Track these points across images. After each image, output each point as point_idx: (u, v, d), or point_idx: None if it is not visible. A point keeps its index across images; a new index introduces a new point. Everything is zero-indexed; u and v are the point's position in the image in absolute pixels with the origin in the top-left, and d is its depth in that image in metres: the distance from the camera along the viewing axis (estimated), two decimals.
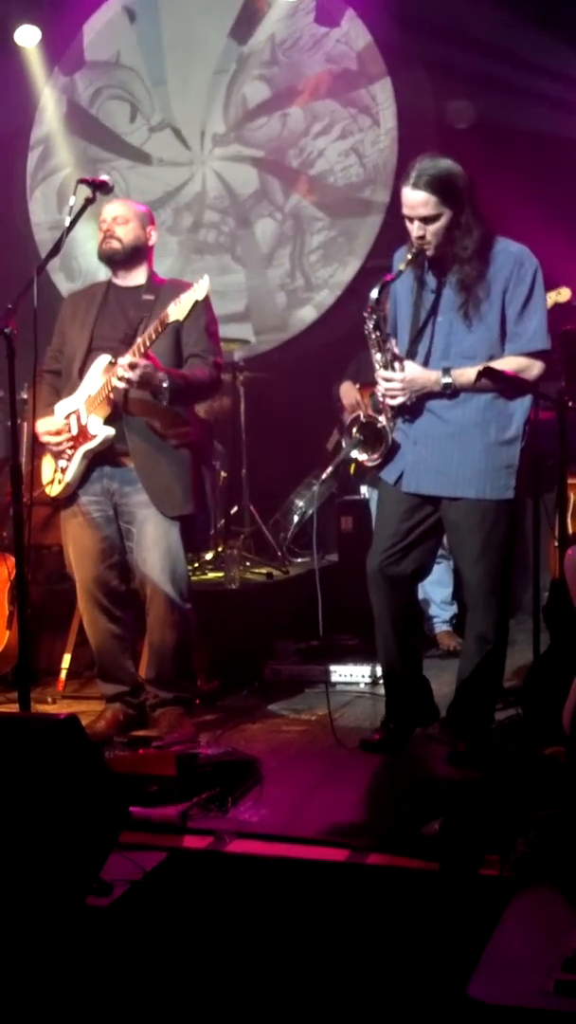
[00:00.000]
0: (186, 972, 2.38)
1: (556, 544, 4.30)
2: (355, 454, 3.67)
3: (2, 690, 4.53)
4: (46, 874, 2.49)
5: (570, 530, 4.17)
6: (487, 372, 3.40)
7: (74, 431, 3.88)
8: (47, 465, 4.01)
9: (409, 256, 3.45)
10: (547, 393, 3.80)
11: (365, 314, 3.53)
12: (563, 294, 4.49)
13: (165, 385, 3.68)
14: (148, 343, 3.65)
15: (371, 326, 3.53)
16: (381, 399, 3.60)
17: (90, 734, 3.10)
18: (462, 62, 5.84)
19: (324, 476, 3.73)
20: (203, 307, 3.80)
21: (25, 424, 4.65)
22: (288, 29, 6.57)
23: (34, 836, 2.50)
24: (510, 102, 5.73)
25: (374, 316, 3.52)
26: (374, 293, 3.49)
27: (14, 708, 3.51)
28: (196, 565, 5.37)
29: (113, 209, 3.92)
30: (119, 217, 3.90)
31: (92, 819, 2.63)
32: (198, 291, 3.56)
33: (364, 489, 5.45)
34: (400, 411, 3.58)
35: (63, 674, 4.67)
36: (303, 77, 6.57)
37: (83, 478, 3.91)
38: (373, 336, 3.54)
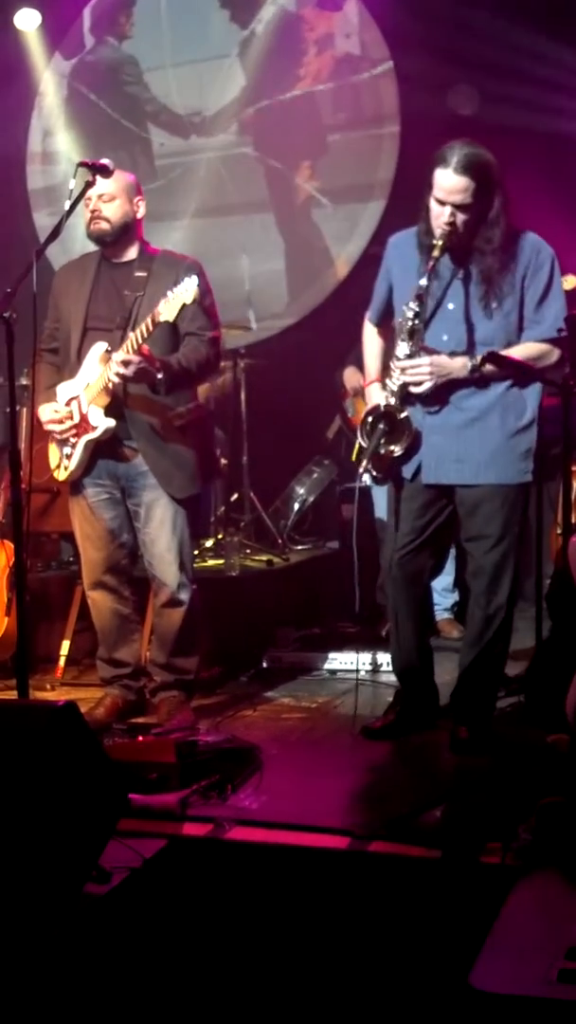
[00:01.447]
0: (186, 960, 2.36)
1: (559, 532, 4.28)
2: (382, 443, 3.55)
3: (1, 677, 4.51)
4: (44, 861, 2.47)
5: (573, 518, 4.15)
6: (491, 357, 3.37)
7: (76, 419, 3.86)
8: (54, 450, 3.99)
9: (439, 243, 3.35)
10: (553, 379, 3.78)
11: (407, 304, 3.43)
12: (569, 281, 4.46)
13: (160, 377, 3.66)
14: (141, 339, 3.62)
15: (411, 315, 3.43)
16: (393, 386, 3.50)
17: (89, 721, 3.07)
18: (466, 47, 5.80)
19: (360, 469, 3.61)
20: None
21: (25, 409, 4.63)
22: (289, 13, 6.52)
23: (32, 824, 2.48)
24: (514, 87, 5.68)
25: (417, 304, 3.42)
26: (424, 281, 3.39)
27: (13, 695, 3.50)
28: (196, 552, 5.34)
29: (97, 186, 3.76)
30: (104, 195, 3.79)
31: (91, 806, 2.62)
32: (186, 294, 3.51)
33: (365, 477, 5.41)
34: (415, 399, 3.52)
35: (62, 661, 4.66)
36: (304, 63, 6.53)
37: (88, 464, 3.90)
38: (410, 324, 3.44)
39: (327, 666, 4.65)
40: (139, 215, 3.90)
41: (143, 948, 2.43)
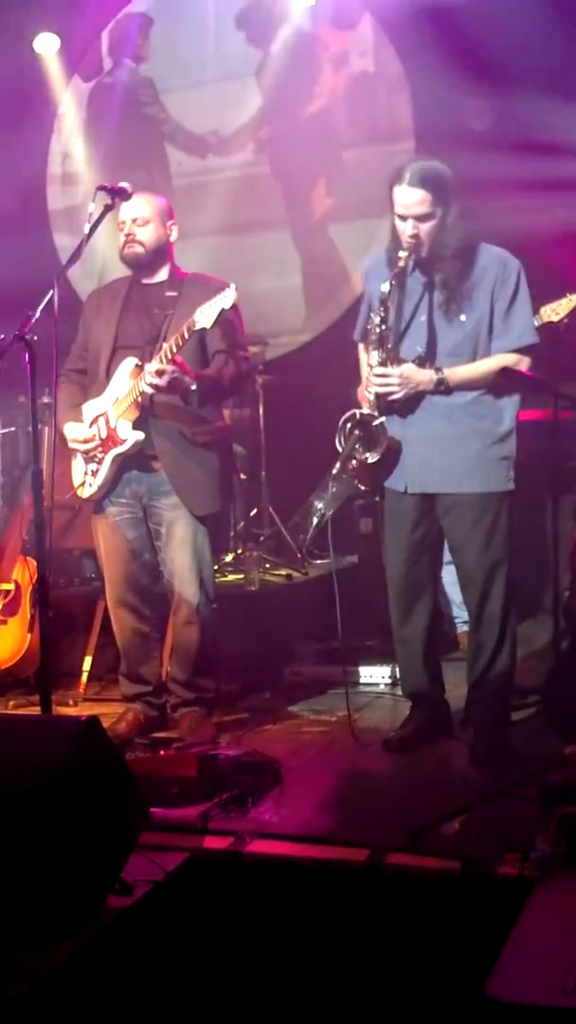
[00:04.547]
0: (207, 972, 2.39)
1: None
2: (357, 450, 3.61)
3: (24, 693, 4.56)
4: (68, 874, 2.51)
5: None
6: (504, 374, 3.42)
7: (103, 435, 3.90)
8: (77, 467, 4.04)
9: (404, 254, 3.47)
10: (568, 393, 3.81)
11: (373, 311, 3.55)
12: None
13: (193, 388, 3.70)
14: (175, 349, 3.66)
15: (377, 320, 3.54)
16: (370, 395, 3.58)
17: (111, 736, 3.12)
18: (481, 63, 5.83)
19: (334, 471, 3.65)
20: None
21: (47, 428, 4.70)
22: (305, 33, 6.58)
23: (56, 837, 2.52)
24: (529, 103, 5.71)
25: (382, 310, 3.53)
26: (385, 287, 3.51)
27: (36, 710, 3.54)
28: (216, 567, 5.38)
29: (132, 209, 3.82)
30: (139, 219, 3.85)
31: (114, 820, 2.65)
32: (225, 299, 3.56)
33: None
34: (391, 408, 3.57)
35: (84, 676, 4.71)
36: (320, 81, 6.58)
37: (113, 481, 3.93)
38: (378, 330, 3.54)
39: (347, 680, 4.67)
40: (172, 238, 3.94)
41: (165, 960, 2.46)
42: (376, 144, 6.46)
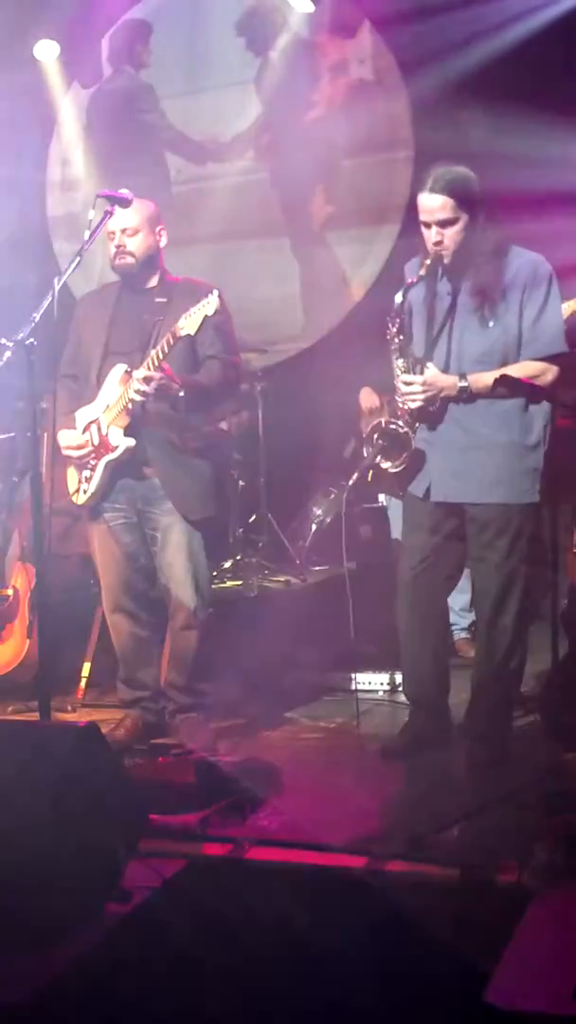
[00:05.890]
0: (206, 978, 2.39)
1: (575, 550, 4.30)
2: (379, 460, 3.65)
3: (23, 698, 4.56)
4: (67, 881, 2.51)
5: None
6: (503, 380, 3.42)
7: (95, 441, 3.91)
8: (72, 474, 4.04)
9: (427, 262, 3.47)
10: (563, 401, 3.81)
11: (389, 319, 3.54)
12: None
13: (182, 395, 3.71)
14: (161, 356, 3.67)
15: (394, 331, 3.54)
16: (401, 404, 3.59)
17: (110, 742, 3.12)
18: (480, 72, 5.85)
19: (351, 482, 3.66)
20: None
21: (46, 434, 4.70)
22: (304, 41, 6.60)
23: (55, 843, 2.52)
24: (528, 114, 5.73)
25: (398, 320, 3.53)
26: (398, 297, 3.51)
27: (35, 716, 3.54)
28: (215, 574, 5.39)
29: (121, 219, 3.80)
30: (128, 228, 3.84)
31: (112, 826, 2.65)
32: (208, 306, 3.56)
33: (382, 497, 5.46)
34: (420, 417, 3.57)
35: (83, 682, 4.70)
36: (319, 89, 6.60)
37: (107, 488, 3.94)
38: (396, 341, 3.55)
39: (345, 686, 4.67)
40: (162, 244, 3.95)
41: (164, 967, 2.46)
42: (375, 152, 6.47)
